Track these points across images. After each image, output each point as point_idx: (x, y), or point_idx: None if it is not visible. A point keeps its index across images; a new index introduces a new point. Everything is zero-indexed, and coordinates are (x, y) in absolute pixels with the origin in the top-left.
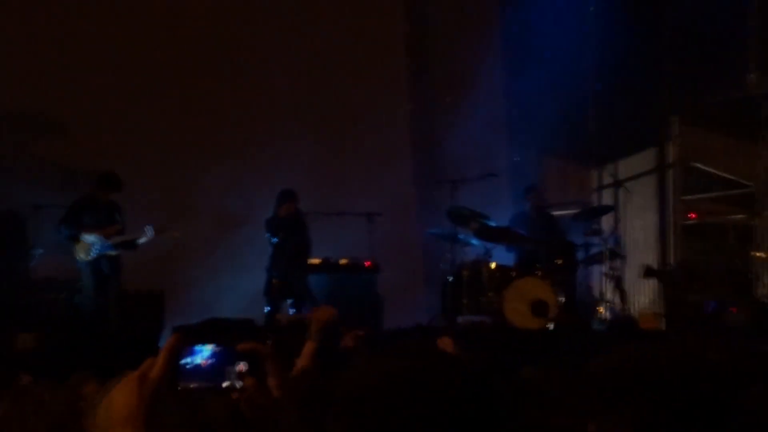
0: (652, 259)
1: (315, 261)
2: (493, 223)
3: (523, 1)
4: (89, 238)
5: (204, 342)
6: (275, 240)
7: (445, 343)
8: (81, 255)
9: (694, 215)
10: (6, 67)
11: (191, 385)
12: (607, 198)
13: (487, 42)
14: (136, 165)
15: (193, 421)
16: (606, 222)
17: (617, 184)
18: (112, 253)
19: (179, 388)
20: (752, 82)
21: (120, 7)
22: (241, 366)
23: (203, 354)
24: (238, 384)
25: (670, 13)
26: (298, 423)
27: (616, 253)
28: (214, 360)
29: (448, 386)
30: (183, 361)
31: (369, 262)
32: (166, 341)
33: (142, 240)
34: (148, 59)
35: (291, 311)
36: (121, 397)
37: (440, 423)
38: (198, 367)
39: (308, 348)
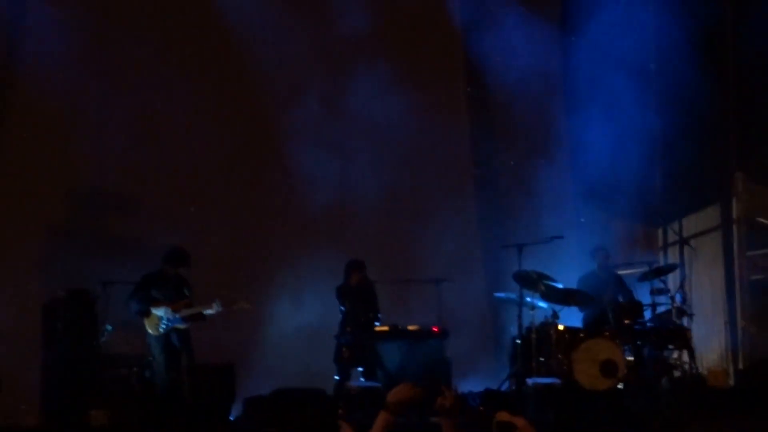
0: (720, 315)
1: (383, 328)
2: (559, 285)
3: (581, 64)
4: (158, 312)
5: None
6: (344, 308)
7: (517, 420)
8: (151, 329)
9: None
10: (76, 145)
11: None
12: (672, 256)
13: (550, 102)
14: (204, 238)
15: None
16: (672, 280)
17: (683, 241)
18: (182, 326)
19: None
20: None
21: (188, 88)
22: None
23: None
24: None
25: (734, 69)
26: None
27: (684, 311)
28: None
29: None
30: None
31: (437, 328)
32: None
33: (211, 312)
34: (217, 139)
35: (361, 379)
36: None
37: None
38: None
39: (381, 419)
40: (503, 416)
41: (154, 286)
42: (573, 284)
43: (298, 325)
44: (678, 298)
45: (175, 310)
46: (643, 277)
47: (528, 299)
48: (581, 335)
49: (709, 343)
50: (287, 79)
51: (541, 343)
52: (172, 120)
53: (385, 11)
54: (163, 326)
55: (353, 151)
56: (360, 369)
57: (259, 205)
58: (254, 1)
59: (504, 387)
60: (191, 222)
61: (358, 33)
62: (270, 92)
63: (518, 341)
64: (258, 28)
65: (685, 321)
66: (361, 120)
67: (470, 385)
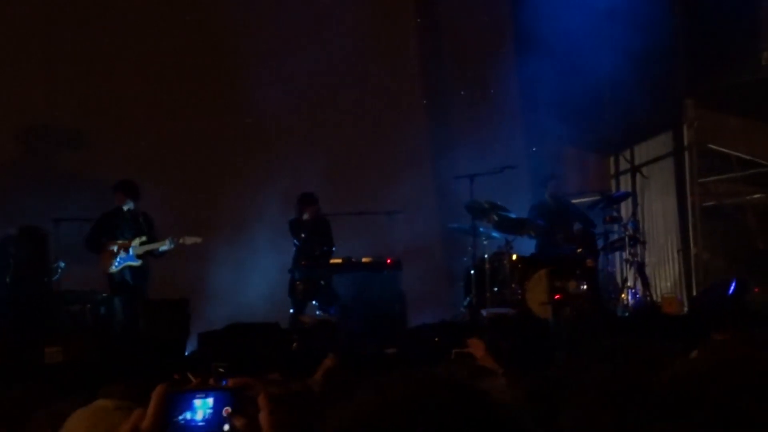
0: (673, 243)
1: (337, 260)
2: (512, 215)
3: None
4: (112, 249)
5: (195, 389)
6: (298, 242)
7: (476, 345)
8: (105, 267)
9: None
10: (25, 81)
11: None
12: (624, 184)
13: (499, 32)
14: (157, 175)
15: None
16: (625, 208)
17: (634, 169)
18: (135, 263)
19: None
20: (766, 61)
21: (139, 21)
22: (227, 408)
23: (202, 407)
24: (227, 427)
25: None
26: None
27: (636, 239)
28: (212, 410)
29: (452, 418)
30: (180, 417)
31: (391, 260)
32: (153, 392)
33: (165, 248)
34: (166, 71)
35: (317, 312)
36: None
37: None
38: (193, 422)
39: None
40: (477, 345)
41: (109, 224)
42: (525, 213)
43: (252, 258)
44: (631, 226)
45: (126, 248)
46: (595, 206)
47: (481, 229)
48: (534, 264)
49: (663, 271)
50: (236, 11)
51: (495, 273)
52: (120, 52)
53: None
54: (116, 264)
55: (304, 86)
56: (314, 302)
57: (211, 137)
58: None
59: (459, 318)
60: (142, 156)
61: None
62: (220, 23)
63: (472, 272)
64: None
65: (638, 249)
66: (310, 52)
67: (425, 316)
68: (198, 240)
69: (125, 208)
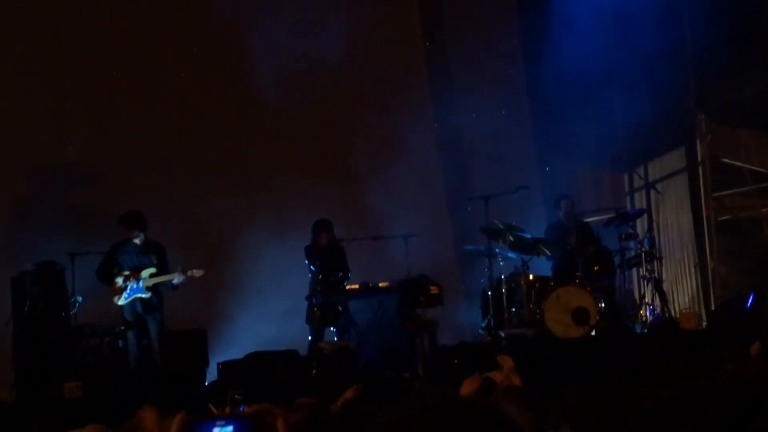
0: (689, 258)
1: (354, 286)
2: (528, 235)
3: (541, 11)
4: (119, 282)
5: (216, 418)
6: (314, 268)
7: (505, 360)
8: (115, 299)
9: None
10: (36, 119)
11: None
12: (639, 201)
13: (510, 53)
14: (171, 206)
15: None
16: (640, 224)
17: (648, 186)
18: (144, 295)
19: None
20: None
21: (147, 55)
22: None
23: None
24: None
25: (692, 11)
26: None
27: (653, 255)
28: None
29: None
30: None
31: None
32: (174, 420)
33: (177, 281)
34: (176, 102)
35: (335, 338)
36: None
37: None
38: None
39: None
40: (505, 360)
41: (120, 255)
42: (541, 233)
43: (269, 286)
44: (646, 242)
45: (136, 279)
46: (611, 223)
47: (497, 250)
48: (552, 284)
49: (680, 286)
50: (248, 43)
51: (512, 293)
52: (131, 87)
53: None
54: (126, 296)
55: (318, 113)
56: (333, 329)
57: (224, 167)
58: None
59: (478, 339)
60: (157, 188)
61: None
62: (231, 55)
63: (489, 293)
64: None
65: (655, 265)
66: (321, 82)
67: (443, 338)
68: (202, 272)
69: (135, 239)
